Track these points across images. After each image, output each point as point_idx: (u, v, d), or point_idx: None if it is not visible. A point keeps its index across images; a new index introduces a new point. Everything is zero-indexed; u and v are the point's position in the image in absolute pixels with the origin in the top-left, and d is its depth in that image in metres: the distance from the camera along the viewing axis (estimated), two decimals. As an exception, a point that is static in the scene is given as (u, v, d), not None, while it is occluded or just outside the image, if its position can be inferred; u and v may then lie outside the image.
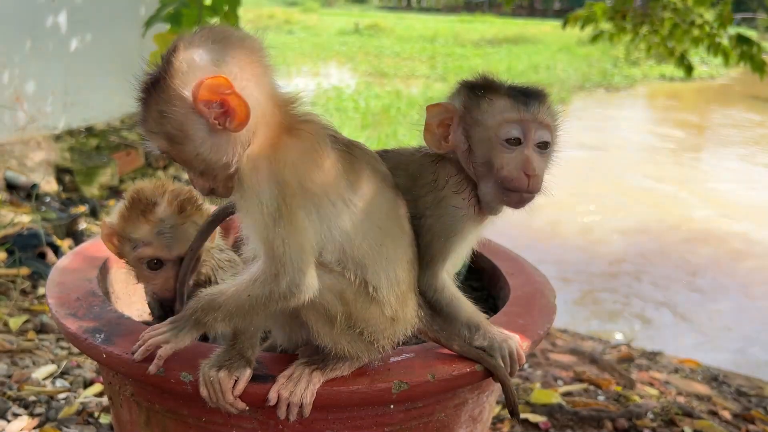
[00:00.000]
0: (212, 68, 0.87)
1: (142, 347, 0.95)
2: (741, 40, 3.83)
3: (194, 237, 1.17)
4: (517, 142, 1.02)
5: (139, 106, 0.90)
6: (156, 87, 0.88)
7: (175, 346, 0.93)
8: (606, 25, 4.57)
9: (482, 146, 1.03)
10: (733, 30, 4.05)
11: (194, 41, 0.89)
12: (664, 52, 4.44)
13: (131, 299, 1.42)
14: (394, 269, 0.96)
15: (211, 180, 0.93)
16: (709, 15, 4.28)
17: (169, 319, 0.96)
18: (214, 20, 2.50)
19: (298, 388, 0.95)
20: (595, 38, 4.65)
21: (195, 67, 0.87)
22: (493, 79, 1.07)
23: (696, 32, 4.11)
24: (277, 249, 0.88)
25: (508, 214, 1.13)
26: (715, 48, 4.00)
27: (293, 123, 0.92)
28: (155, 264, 1.18)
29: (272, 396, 0.94)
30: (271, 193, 0.87)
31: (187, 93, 0.86)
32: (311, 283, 0.90)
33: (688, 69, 4.29)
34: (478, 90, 1.05)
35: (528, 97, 1.04)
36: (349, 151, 0.95)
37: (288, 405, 0.94)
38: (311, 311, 0.95)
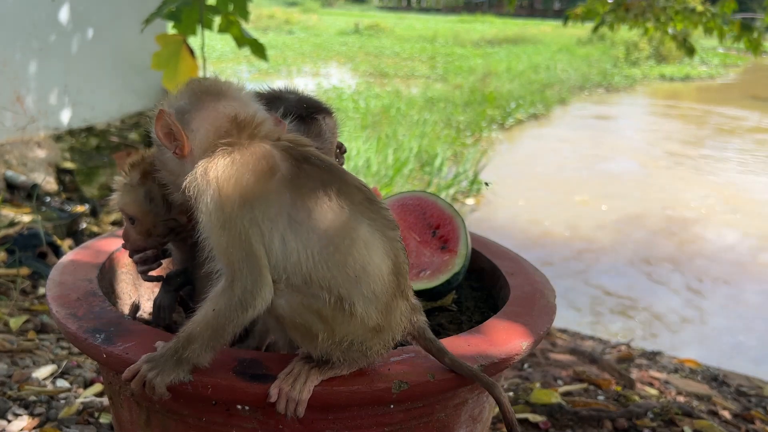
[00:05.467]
0: (167, 107, 1.01)
1: (133, 383, 0.95)
2: (744, 27, 4.00)
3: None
4: None
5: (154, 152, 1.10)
6: (153, 135, 1.04)
7: (162, 387, 0.93)
8: (607, 17, 4.62)
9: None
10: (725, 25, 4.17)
11: (173, 95, 1.05)
12: (664, 37, 4.53)
13: (131, 299, 1.42)
14: (368, 285, 0.94)
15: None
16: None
17: (145, 357, 0.95)
18: (216, 19, 2.49)
19: (297, 383, 0.95)
20: (596, 28, 4.70)
21: (162, 112, 1.00)
22: (316, 97, 1.28)
23: (695, 18, 4.22)
24: (227, 257, 0.91)
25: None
26: (710, 28, 4.14)
27: (248, 143, 0.97)
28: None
29: (273, 392, 0.94)
30: (212, 203, 0.92)
31: (154, 133, 1.02)
32: (264, 293, 0.92)
33: (690, 51, 4.36)
34: (316, 113, 1.24)
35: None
36: (301, 168, 0.96)
37: (287, 400, 0.95)
38: (294, 331, 0.96)
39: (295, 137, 1.01)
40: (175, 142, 1.00)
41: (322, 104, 1.27)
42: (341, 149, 1.35)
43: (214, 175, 0.93)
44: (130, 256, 1.26)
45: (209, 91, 1.03)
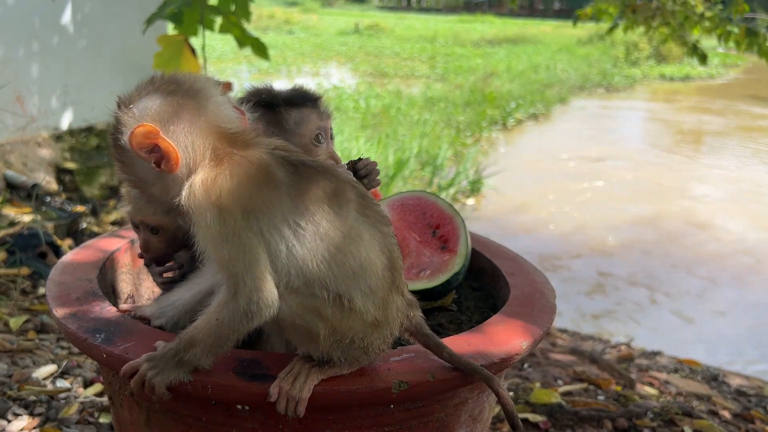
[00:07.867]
0: (145, 118, 0.93)
1: (133, 382, 0.95)
2: (749, 32, 3.99)
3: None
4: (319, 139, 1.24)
5: (112, 158, 1.01)
6: (113, 142, 0.98)
7: (162, 387, 0.93)
8: (620, 20, 4.62)
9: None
10: (736, 28, 4.15)
11: (133, 95, 0.96)
12: (677, 42, 4.52)
13: (131, 299, 1.42)
14: (365, 280, 0.95)
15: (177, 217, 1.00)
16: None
17: (146, 356, 0.95)
18: (218, 19, 2.49)
19: (297, 382, 0.95)
20: (610, 30, 4.70)
21: (132, 119, 0.94)
22: (275, 89, 1.23)
23: (707, 23, 4.21)
24: (230, 269, 0.90)
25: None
26: (726, 36, 4.12)
27: (238, 152, 0.95)
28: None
29: (273, 391, 0.95)
30: (212, 217, 0.90)
31: (126, 143, 0.93)
32: (270, 301, 0.91)
33: (702, 58, 4.35)
34: (276, 106, 1.19)
35: (315, 100, 1.25)
36: (297, 173, 0.95)
37: (287, 399, 0.95)
38: (295, 333, 0.97)
39: (283, 143, 1.00)
40: (154, 154, 0.93)
41: (296, 95, 1.22)
42: (318, 138, 1.25)
43: (214, 189, 0.91)
44: (147, 264, 1.22)
45: (187, 95, 0.96)
